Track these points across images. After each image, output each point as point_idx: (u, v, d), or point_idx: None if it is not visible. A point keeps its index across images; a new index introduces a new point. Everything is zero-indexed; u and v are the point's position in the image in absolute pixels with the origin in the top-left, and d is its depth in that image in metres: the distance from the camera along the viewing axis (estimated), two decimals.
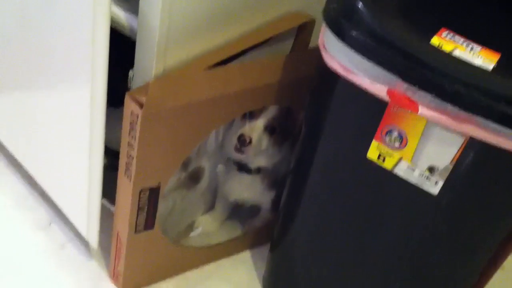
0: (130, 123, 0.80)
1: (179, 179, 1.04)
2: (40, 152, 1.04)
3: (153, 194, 0.90)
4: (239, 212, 1.17)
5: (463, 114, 0.67)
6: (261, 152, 1.01)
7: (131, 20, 0.84)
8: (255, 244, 1.17)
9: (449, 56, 0.67)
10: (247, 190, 1.10)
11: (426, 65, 0.66)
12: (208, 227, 1.16)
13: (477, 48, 0.69)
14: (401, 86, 0.69)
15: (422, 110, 0.68)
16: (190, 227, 1.15)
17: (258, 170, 1.05)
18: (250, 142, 0.96)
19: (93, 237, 0.99)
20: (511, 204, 0.76)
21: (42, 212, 1.13)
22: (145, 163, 0.85)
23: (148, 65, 0.80)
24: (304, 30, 1.01)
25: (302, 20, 0.99)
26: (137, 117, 0.78)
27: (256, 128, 0.97)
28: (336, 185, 0.86)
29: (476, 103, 0.66)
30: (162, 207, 0.99)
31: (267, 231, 1.12)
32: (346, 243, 0.89)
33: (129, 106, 0.79)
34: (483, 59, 0.67)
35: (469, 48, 0.69)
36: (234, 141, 0.97)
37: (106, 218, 0.97)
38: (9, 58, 0.97)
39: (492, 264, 0.85)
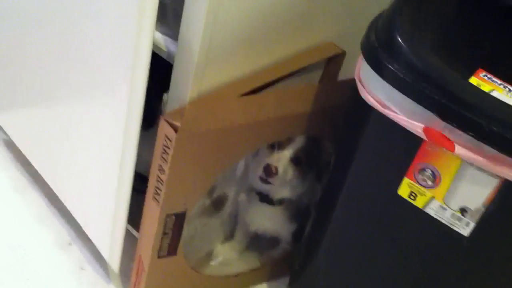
0: (163, 147, 0.81)
1: (203, 206, 1.04)
2: (67, 172, 1.04)
3: (179, 219, 0.90)
4: (258, 243, 1.17)
5: (499, 155, 0.67)
6: (286, 183, 1.01)
7: (169, 43, 0.85)
8: (273, 277, 1.16)
9: (488, 96, 0.67)
10: (268, 221, 1.09)
11: (465, 104, 0.66)
12: (226, 256, 1.16)
13: None
14: (438, 124, 0.69)
15: (458, 150, 0.68)
16: (209, 255, 1.14)
17: (281, 202, 1.05)
18: (276, 172, 0.96)
19: (115, 260, 0.98)
20: None
21: (63, 231, 1.13)
22: (175, 188, 0.85)
23: (184, 89, 0.81)
24: (334, 61, 1.02)
25: (333, 52, 1.00)
26: (171, 140, 0.79)
27: (282, 159, 0.97)
28: (364, 219, 0.85)
29: None
30: (184, 233, 0.99)
31: (285, 264, 1.11)
32: (371, 279, 0.88)
33: (163, 129, 0.79)
34: None
35: (506, 90, 0.69)
36: (259, 170, 0.97)
37: (125, 241, 0.97)
38: (46, 76, 0.99)
39: None
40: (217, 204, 1.08)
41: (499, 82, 0.70)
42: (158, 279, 0.97)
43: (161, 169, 0.82)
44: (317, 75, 1.06)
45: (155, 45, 0.85)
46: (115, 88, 0.81)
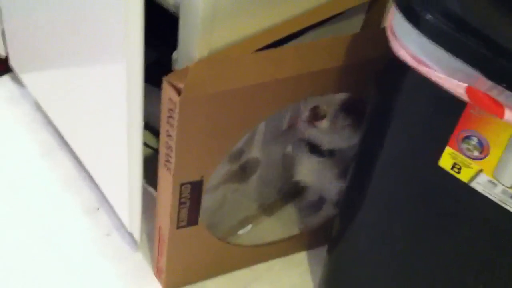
0: (168, 111, 0.72)
1: (229, 171, 0.96)
2: (86, 135, 0.99)
3: (196, 188, 0.82)
4: (302, 203, 1.08)
5: None
6: (336, 132, 0.91)
7: None
8: (313, 245, 1.07)
9: None
10: (315, 173, 1.00)
11: None
12: (260, 223, 1.07)
13: None
14: (484, 84, 0.56)
15: (509, 116, 0.56)
16: (243, 223, 1.06)
17: (331, 153, 0.95)
18: (325, 115, 0.86)
19: (135, 229, 0.93)
20: None
21: (90, 195, 1.08)
22: (186, 155, 0.76)
23: (191, 45, 0.72)
24: (376, 6, 0.90)
25: None
26: (175, 104, 0.70)
27: (333, 103, 0.87)
28: (401, 189, 0.74)
29: None
30: (211, 200, 0.92)
31: (326, 231, 1.02)
32: (411, 252, 0.78)
33: (167, 92, 0.71)
34: None
35: None
36: (306, 113, 0.88)
37: (152, 207, 0.91)
38: (58, 38, 0.93)
39: None
40: (247, 169, 0.99)
41: None
42: (180, 250, 0.90)
43: (169, 135, 0.74)
44: (358, 22, 0.94)
45: None
46: (112, 44, 0.74)
